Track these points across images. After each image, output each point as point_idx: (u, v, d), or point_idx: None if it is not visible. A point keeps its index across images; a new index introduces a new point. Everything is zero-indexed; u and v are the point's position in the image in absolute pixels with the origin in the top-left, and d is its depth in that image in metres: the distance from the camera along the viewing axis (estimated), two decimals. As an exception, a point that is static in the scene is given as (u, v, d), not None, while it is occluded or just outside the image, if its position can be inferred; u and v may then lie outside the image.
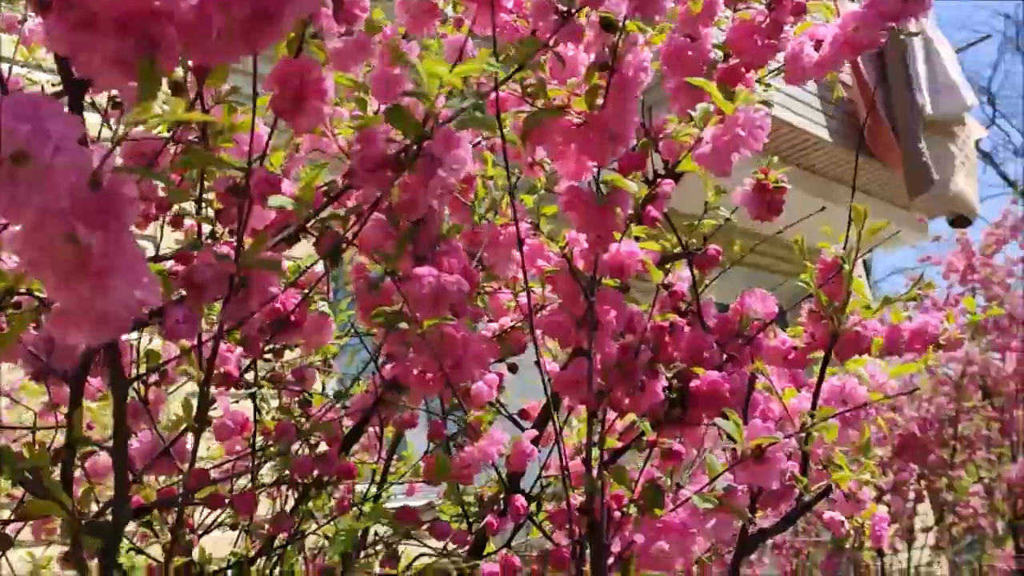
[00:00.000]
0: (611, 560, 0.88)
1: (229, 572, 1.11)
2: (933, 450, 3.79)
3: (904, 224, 5.03)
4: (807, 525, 3.84)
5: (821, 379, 1.13)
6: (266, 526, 1.08)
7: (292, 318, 0.96)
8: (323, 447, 1.08)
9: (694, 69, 1.12)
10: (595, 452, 0.98)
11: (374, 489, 1.32)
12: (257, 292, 0.66)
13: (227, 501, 0.85)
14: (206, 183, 1.02)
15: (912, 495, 3.85)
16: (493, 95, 0.89)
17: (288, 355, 1.30)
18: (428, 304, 0.76)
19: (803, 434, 1.02)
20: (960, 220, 4.64)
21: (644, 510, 0.84)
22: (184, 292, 0.64)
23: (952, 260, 4.21)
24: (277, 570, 1.29)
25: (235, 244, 0.66)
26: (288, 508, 1.12)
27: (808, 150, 4.54)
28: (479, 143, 1.15)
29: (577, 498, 0.90)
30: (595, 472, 0.93)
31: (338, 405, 1.15)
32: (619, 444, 1.10)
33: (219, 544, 1.26)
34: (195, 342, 0.76)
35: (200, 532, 1.11)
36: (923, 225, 4.98)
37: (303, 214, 0.76)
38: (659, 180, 1.05)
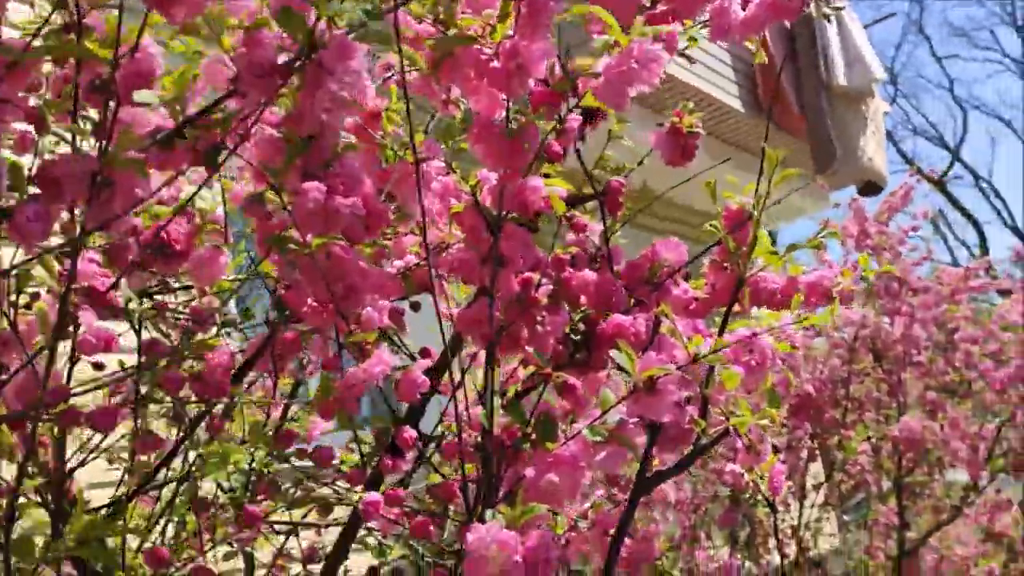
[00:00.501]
0: (501, 494, 0.86)
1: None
2: (827, 410, 3.94)
3: (807, 194, 5.17)
4: (706, 482, 3.97)
5: (724, 325, 1.14)
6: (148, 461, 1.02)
7: (176, 246, 0.91)
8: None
9: (626, 11, 1.08)
10: (497, 401, 0.96)
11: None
12: (121, 194, 0.61)
13: (85, 418, 0.79)
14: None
15: (805, 453, 4.00)
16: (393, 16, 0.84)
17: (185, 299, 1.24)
18: (316, 222, 0.72)
19: (703, 374, 1.02)
20: (870, 188, 4.79)
21: (537, 443, 0.82)
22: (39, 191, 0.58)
23: (847, 225, 4.33)
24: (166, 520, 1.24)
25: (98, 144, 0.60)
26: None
27: (717, 118, 4.60)
28: (390, 76, 1.10)
29: (471, 435, 0.88)
30: (491, 410, 0.91)
31: (224, 335, 1.10)
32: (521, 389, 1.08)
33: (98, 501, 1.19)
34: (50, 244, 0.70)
35: (73, 466, 1.04)
36: (825, 194, 5.13)
37: (176, 115, 0.70)
38: (567, 116, 1.02)
